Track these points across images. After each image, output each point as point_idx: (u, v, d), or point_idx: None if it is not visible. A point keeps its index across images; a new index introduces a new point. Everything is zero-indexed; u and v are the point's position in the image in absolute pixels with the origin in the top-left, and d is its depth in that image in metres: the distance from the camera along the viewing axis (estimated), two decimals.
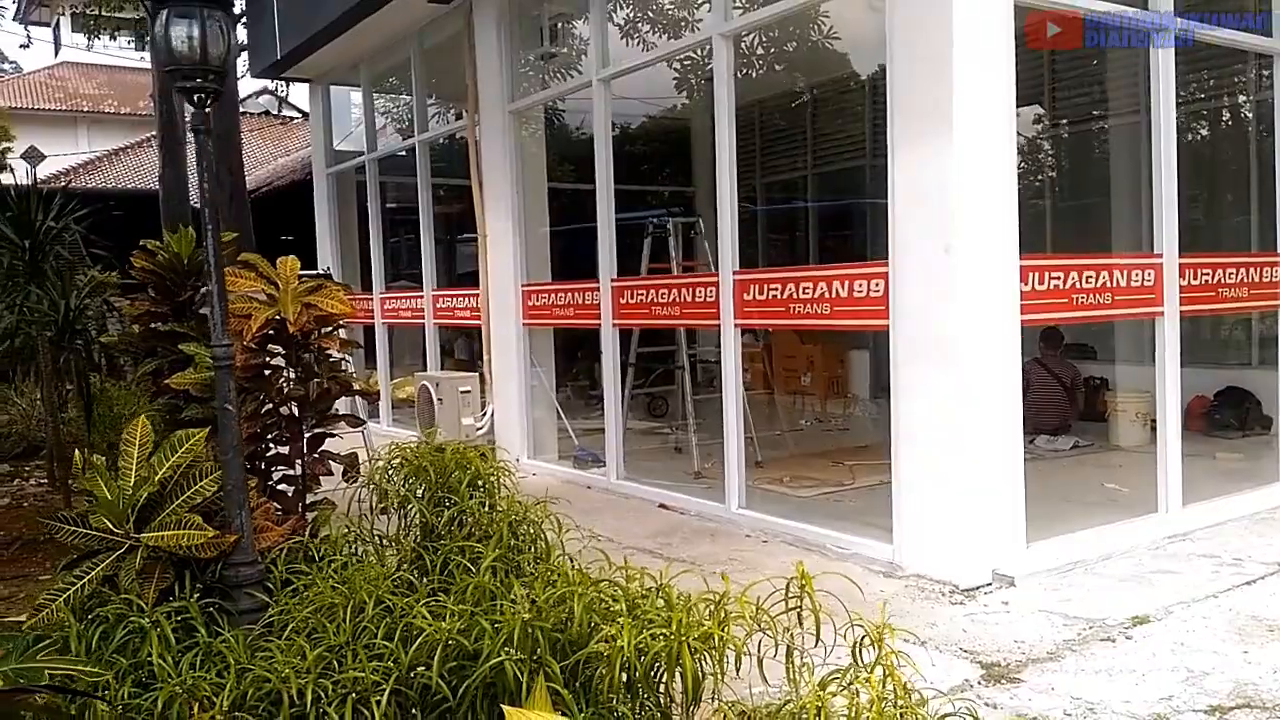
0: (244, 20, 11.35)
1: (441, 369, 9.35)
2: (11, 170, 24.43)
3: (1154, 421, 7.85)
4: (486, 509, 3.58)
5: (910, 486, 4.70)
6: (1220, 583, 4.35)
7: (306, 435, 4.33)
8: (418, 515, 3.76)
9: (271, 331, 4.12)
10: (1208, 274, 5.52)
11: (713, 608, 2.67)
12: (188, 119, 17.40)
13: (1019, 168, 4.24)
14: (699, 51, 7.53)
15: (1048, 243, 9.42)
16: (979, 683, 3.40)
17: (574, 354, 10.74)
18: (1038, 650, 3.66)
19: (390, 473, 3.96)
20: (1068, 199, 10.37)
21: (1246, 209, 8.39)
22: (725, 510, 5.81)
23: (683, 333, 7.54)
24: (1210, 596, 4.17)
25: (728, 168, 5.69)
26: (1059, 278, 4.80)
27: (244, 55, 11.42)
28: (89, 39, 31.02)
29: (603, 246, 6.77)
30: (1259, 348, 8.34)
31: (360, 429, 5.28)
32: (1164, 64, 5.21)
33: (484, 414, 8.21)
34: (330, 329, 4.38)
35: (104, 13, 23.64)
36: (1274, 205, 6.00)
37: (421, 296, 9.35)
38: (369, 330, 10.38)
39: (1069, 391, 8.05)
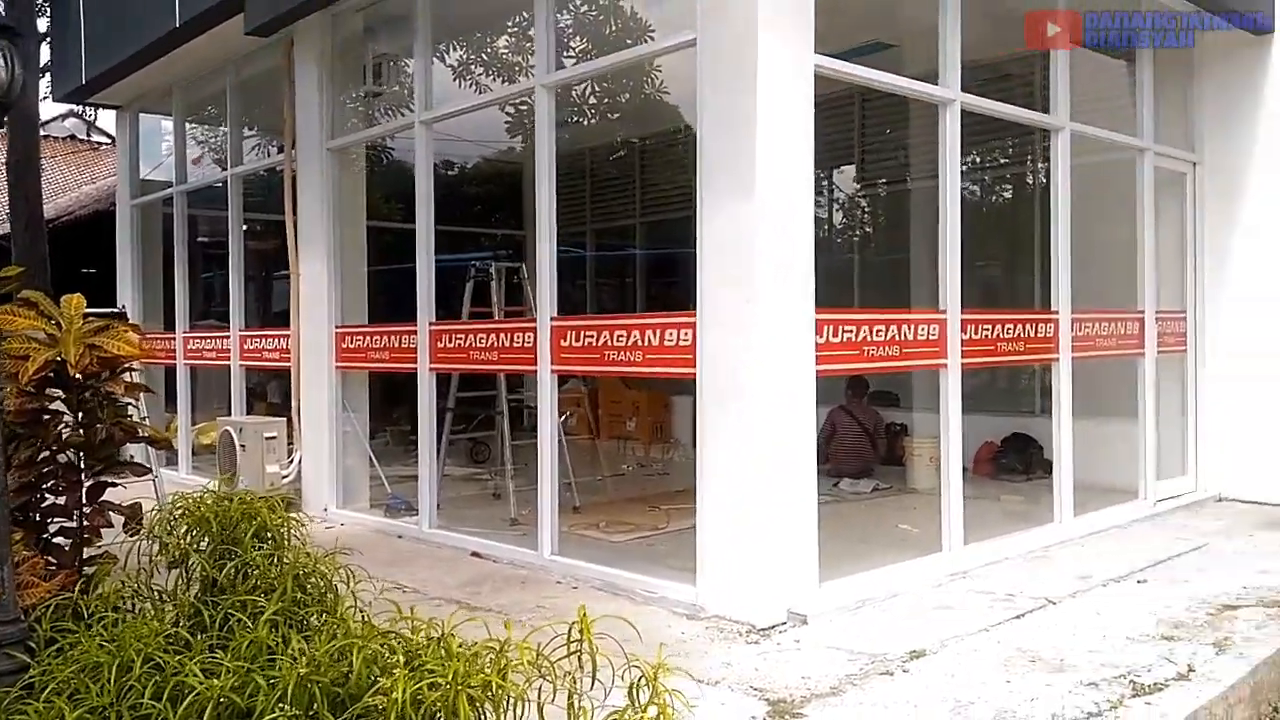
0: (48, 40, 10.69)
1: (249, 413, 8.96)
2: None
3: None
4: (273, 562, 3.42)
5: (711, 530, 4.83)
6: (993, 617, 4.67)
7: (87, 484, 4.05)
8: (199, 569, 3.57)
9: (52, 374, 3.85)
10: (988, 329, 5.98)
11: (495, 655, 2.65)
12: None
13: (837, 224, 4.53)
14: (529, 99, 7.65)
15: (855, 296, 10.00)
16: (764, 719, 3.51)
17: (395, 398, 10.50)
18: (822, 686, 3.81)
19: (172, 525, 3.74)
20: (877, 254, 11.03)
21: (1032, 269, 9.16)
22: (538, 557, 5.78)
23: (502, 378, 7.52)
24: (982, 630, 4.47)
25: (547, 213, 5.76)
26: (851, 331, 5.09)
27: (46, 76, 10.73)
28: None
29: (421, 288, 6.68)
30: (1041, 397, 9.06)
31: (150, 477, 4.98)
32: (951, 132, 5.66)
33: (291, 461, 7.89)
34: (118, 371, 4.13)
35: None
36: (1049, 267, 6.57)
37: (228, 336, 8.93)
38: (171, 372, 9.83)
39: (871, 437, 8.50)
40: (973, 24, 5.67)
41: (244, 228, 9.05)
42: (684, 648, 4.33)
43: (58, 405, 3.99)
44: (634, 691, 2.53)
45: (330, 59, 7.63)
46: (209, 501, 3.75)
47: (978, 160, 9.89)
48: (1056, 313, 6.42)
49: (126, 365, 4.08)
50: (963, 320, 5.71)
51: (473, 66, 8.63)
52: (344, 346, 7.55)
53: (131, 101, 10.56)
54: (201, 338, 9.62)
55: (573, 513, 7.30)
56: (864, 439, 8.46)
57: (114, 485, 4.18)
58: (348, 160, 7.89)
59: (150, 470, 4.97)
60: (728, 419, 4.74)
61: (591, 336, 5.53)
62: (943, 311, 5.63)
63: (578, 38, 7.83)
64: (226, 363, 9.01)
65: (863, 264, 10.69)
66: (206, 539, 3.62)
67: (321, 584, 3.42)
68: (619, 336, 5.34)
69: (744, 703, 3.66)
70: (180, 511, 3.75)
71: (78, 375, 3.69)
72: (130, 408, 4.37)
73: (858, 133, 10.34)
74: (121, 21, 8.91)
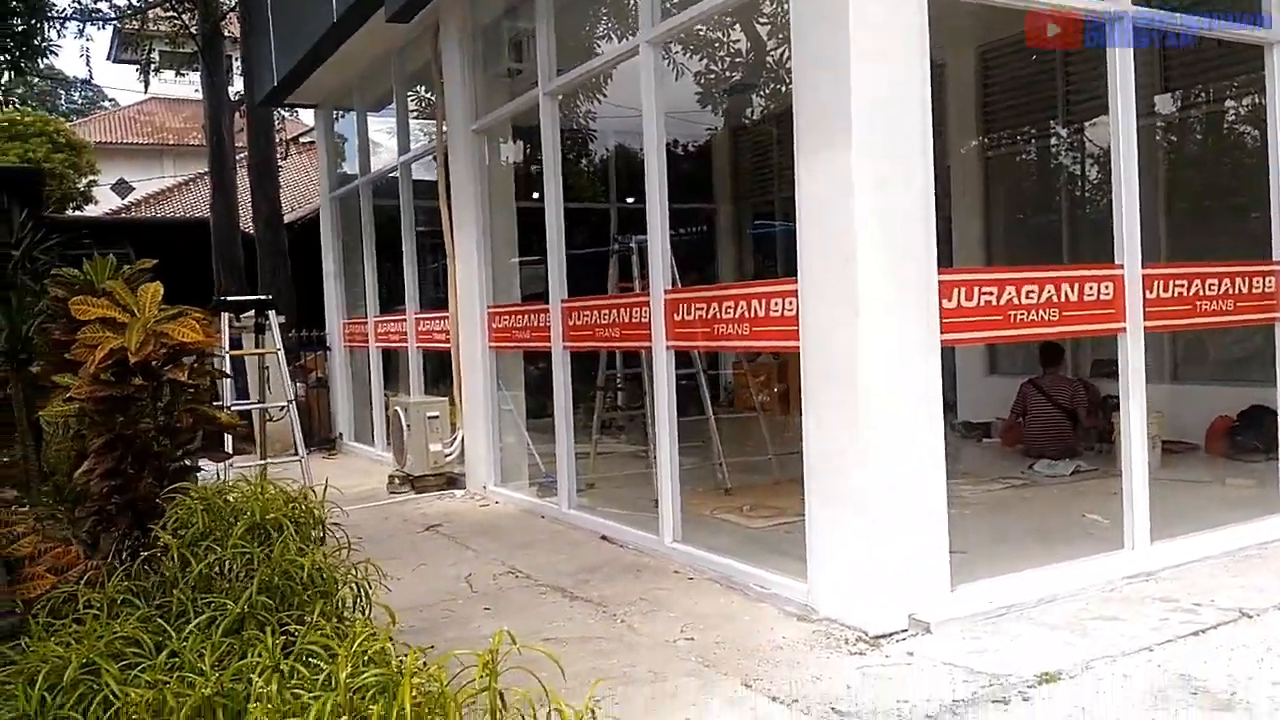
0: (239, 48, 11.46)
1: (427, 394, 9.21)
2: (95, 201, 25.51)
3: (1165, 444, 7.33)
4: (273, 557, 3.22)
5: (823, 522, 4.32)
6: (1163, 632, 3.86)
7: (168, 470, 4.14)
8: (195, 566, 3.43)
9: (130, 362, 3.95)
10: (1181, 285, 5.01)
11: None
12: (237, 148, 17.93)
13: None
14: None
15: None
16: None
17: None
18: (916, 713, 3.25)
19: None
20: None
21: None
22: (659, 544, 5.47)
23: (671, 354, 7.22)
24: (1144, 649, 3.69)
25: (657, 181, 5.39)
26: (990, 293, 4.37)
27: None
28: (176, 74, 32.49)
29: (553, 264, 6.52)
30: None
31: (250, 464, 5.09)
32: (1122, 55, 4.74)
33: (453, 440, 8.01)
34: (194, 357, 4.20)
35: (166, 48, 24.56)
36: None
37: (405, 320, 9.22)
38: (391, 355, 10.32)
39: (1070, 413, 7.49)
40: None
41: (414, 213, 9.28)
42: (778, 655, 3.88)
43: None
44: None
45: (472, 40, 7.61)
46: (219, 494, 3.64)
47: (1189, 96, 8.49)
48: (1278, 264, 5.29)
49: (205, 350, 4.12)
50: (1146, 276, 4.79)
51: (591, 30, 8.33)
52: (495, 326, 7.54)
53: (324, 100, 11.14)
54: (388, 321, 10.02)
55: (723, 494, 6.93)
56: (1060, 416, 7.48)
57: (197, 470, 4.24)
58: (495, 141, 7.85)
59: (229, 455, 5.02)
60: (835, 397, 4.20)
61: (702, 309, 5.12)
62: (1118, 266, 4.74)
63: None
64: (405, 344, 9.33)
65: (1071, 219, 9.48)
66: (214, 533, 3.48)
67: (338, 583, 3.22)
68: (727, 308, 4.90)
69: None
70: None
71: (138, 361, 3.73)
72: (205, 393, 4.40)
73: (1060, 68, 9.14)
74: (299, 25, 9.36)
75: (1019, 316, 4.46)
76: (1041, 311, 4.52)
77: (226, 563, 3.29)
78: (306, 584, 3.18)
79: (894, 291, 4.07)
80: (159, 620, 2.85)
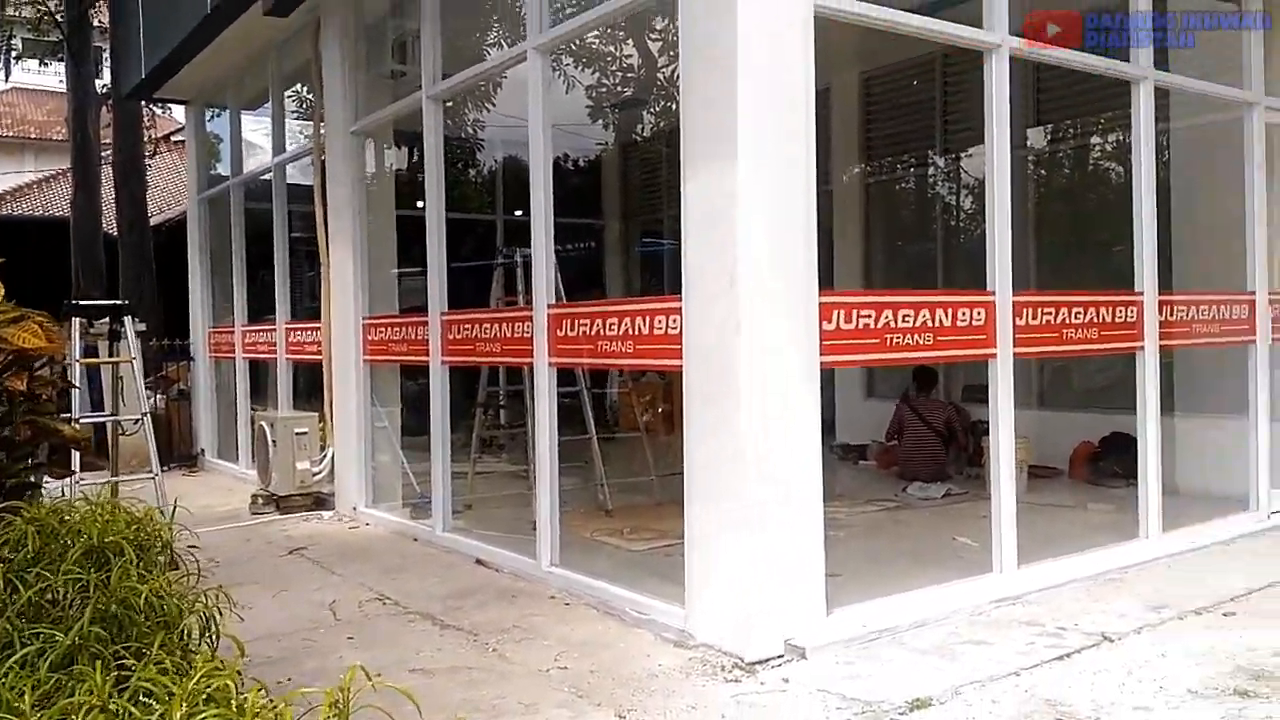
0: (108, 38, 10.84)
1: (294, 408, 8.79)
2: None
3: (1031, 468, 7.57)
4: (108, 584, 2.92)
5: (701, 546, 4.23)
6: (1030, 657, 3.91)
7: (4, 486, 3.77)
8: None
9: None
10: (1049, 313, 5.15)
11: None
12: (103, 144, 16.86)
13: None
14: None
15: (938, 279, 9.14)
16: None
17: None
18: None
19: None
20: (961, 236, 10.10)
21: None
22: (536, 568, 5.29)
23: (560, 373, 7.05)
24: (1012, 674, 3.72)
25: (543, 192, 5.25)
26: (869, 316, 4.38)
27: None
28: (40, 63, 30.65)
29: (432, 276, 6.28)
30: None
31: (102, 480, 4.71)
32: (998, 81, 4.85)
33: (323, 458, 7.65)
34: (35, 365, 3.84)
35: (29, 35, 23.18)
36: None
37: (275, 330, 8.80)
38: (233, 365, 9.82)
39: (943, 436, 7.66)
40: None
41: (288, 218, 8.88)
42: (653, 684, 3.76)
43: None
44: None
45: (355, 39, 7.33)
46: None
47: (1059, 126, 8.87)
48: (1140, 294, 5.50)
49: (45, 358, 3.77)
50: (1016, 303, 4.90)
51: (481, 36, 8.16)
52: (370, 339, 7.24)
53: (196, 96, 10.60)
54: (257, 331, 9.55)
55: (604, 515, 6.81)
56: (934, 438, 7.63)
57: (37, 487, 3.89)
58: (376, 145, 7.58)
59: (73, 471, 4.66)
60: (715, 418, 4.12)
61: (586, 325, 4.99)
62: (989, 293, 4.84)
63: None
64: (274, 355, 8.90)
65: (946, 247, 9.76)
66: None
67: (184, 613, 2.94)
68: (611, 325, 4.79)
69: None
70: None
71: None
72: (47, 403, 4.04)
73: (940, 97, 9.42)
74: (170, 14, 8.86)
75: (896, 340, 4.49)
76: (917, 335, 4.56)
77: (61, 590, 2.98)
78: (147, 613, 2.90)
79: (776, 311, 4.03)
80: None
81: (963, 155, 9.48)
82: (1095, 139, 8.92)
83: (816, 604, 4.15)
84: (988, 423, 7.89)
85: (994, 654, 3.95)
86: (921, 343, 4.57)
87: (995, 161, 4.84)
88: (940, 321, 4.63)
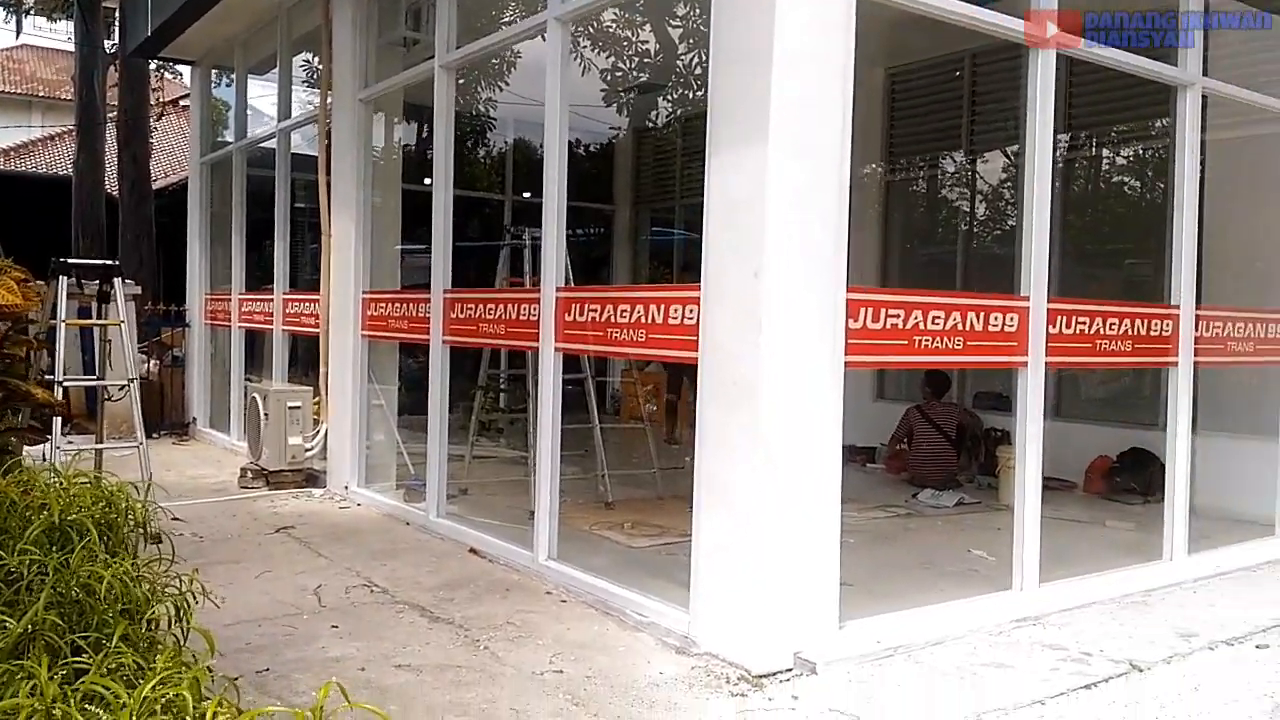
0: None
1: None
2: None
3: (1044, 480, 7.33)
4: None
5: (710, 548, 4.00)
6: (1055, 684, 3.68)
7: None
8: None
9: None
10: (1084, 323, 4.90)
11: None
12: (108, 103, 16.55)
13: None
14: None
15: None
16: None
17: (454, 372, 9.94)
18: None
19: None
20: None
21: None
22: (532, 561, 5.07)
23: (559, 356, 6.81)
24: (1035, 703, 3.50)
25: (556, 171, 4.99)
26: (898, 316, 4.14)
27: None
28: (50, 20, 30.36)
29: (437, 250, 6.04)
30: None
31: (80, 446, 4.47)
32: (1043, 81, 4.60)
33: (315, 433, 7.41)
34: (9, 324, 3.60)
35: None
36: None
37: (272, 299, 8.55)
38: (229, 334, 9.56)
39: (955, 442, 7.43)
40: None
41: (291, 186, 8.63)
42: (654, 694, 3.53)
43: None
44: None
45: (367, 3, 7.06)
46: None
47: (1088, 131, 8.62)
48: (1176, 308, 5.26)
49: (12, 315, 3.53)
50: (1051, 310, 4.66)
51: (498, 14, 7.90)
52: (370, 314, 7.00)
53: (203, 57, 10.33)
54: (255, 300, 9.30)
55: (605, 509, 6.58)
56: (946, 445, 7.41)
57: (6, 452, 3.65)
58: (385, 115, 7.32)
59: (47, 436, 4.41)
60: (730, 416, 3.88)
61: (595, 311, 4.75)
62: (1024, 298, 4.60)
63: None
64: (271, 326, 8.65)
65: (966, 249, 9.52)
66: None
67: (152, 600, 2.71)
68: (623, 312, 4.55)
69: None
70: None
71: None
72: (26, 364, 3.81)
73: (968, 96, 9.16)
74: None
75: (924, 342, 4.25)
76: (946, 339, 4.32)
77: (18, 570, 2.75)
78: (109, 600, 2.66)
79: (802, 306, 3.80)
80: None
81: (988, 156, 9.23)
82: (1125, 148, 8.66)
83: (829, 616, 3.92)
84: (1000, 430, 7.85)
85: (1016, 679, 3.73)
86: (951, 346, 4.33)
87: (1035, 163, 4.60)
88: (971, 325, 4.39)
